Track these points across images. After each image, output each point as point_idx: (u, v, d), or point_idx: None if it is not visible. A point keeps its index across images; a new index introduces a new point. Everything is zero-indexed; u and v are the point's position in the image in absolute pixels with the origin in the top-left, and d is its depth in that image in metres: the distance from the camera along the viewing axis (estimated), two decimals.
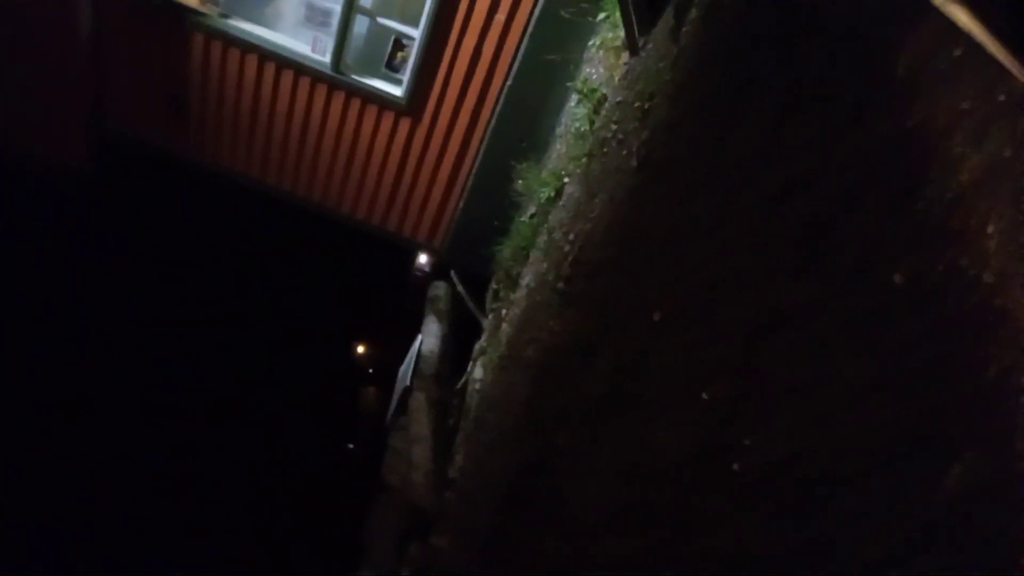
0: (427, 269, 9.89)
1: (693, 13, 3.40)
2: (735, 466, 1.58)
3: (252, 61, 5.98)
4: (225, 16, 5.93)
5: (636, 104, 3.83)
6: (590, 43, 5.35)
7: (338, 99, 6.09)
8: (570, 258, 4.18)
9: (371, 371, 15.87)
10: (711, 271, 2.24)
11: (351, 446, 15.33)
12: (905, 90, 1.50)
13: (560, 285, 4.16)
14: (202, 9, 5.87)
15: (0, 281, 9.30)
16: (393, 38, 5.88)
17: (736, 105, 2.47)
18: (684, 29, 3.44)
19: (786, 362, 1.62)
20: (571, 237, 4.38)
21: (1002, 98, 1.31)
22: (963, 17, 1.22)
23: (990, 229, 1.24)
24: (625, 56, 4.61)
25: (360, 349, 16.24)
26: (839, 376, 1.41)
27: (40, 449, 10.30)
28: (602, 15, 5.08)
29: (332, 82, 5.97)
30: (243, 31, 5.89)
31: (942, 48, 1.41)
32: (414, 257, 10.15)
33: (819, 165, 1.83)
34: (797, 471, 1.45)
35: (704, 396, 1.83)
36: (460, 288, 7.10)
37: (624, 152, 3.75)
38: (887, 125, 1.54)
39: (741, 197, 2.21)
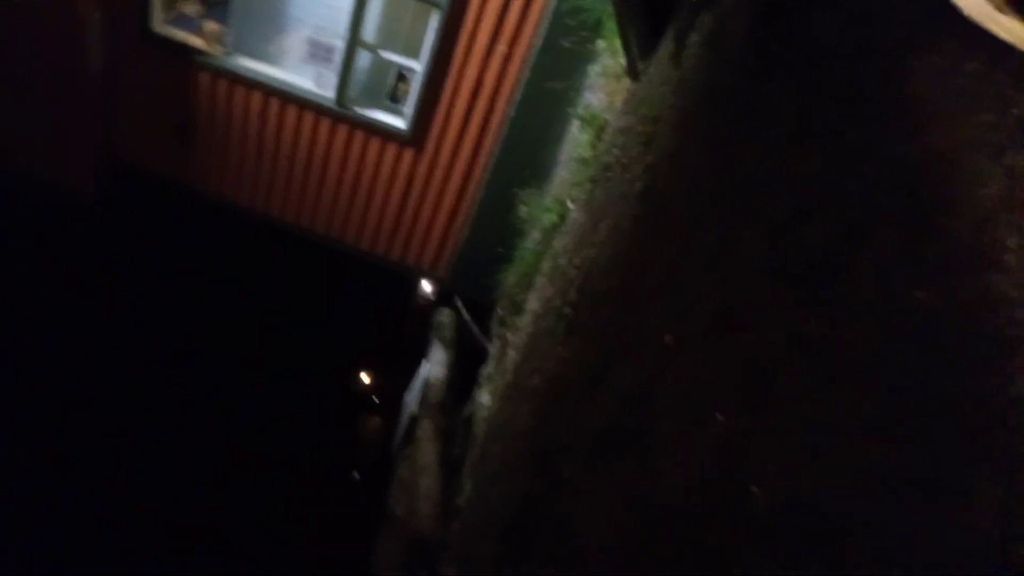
0: (430, 297, 9.88)
1: (694, 37, 3.39)
2: (755, 490, 1.52)
3: (257, 97, 6.03)
4: (230, 55, 5.99)
5: (639, 129, 3.81)
6: (591, 70, 5.37)
7: (342, 132, 6.12)
8: (575, 284, 4.13)
9: (375, 400, 15.80)
10: (718, 301, 2.20)
11: (356, 475, 15.19)
12: (921, 110, 1.47)
13: (566, 311, 4.11)
14: (209, 49, 5.94)
15: (6, 306, 9.33)
16: (396, 71, 5.93)
17: (742, 131, 2.44)
18: (685, 53, 3.43)
19: (800, 395, 1.56)
20: (576, 263, 4.34)
21: (1016, 111, 1.28)
22: (1018, 29, 1.18)
23: (1011, 243, 1.21)
24: (626, 82, 4.62)
25: (363, 378, 16.18)
26: (857, 409, 1.36)
27: (43, 484, 10.24)
28: (601, 43, 5.10)
29: (336, 116, 6.01)
30: (248, 69, 5.95)
31: (958, 64, 1.38)
32: (417, 285, 10.14)
33: (831, 192, 1.79)
34: (812, 508, 1.39)
35: (719, 417, 1.78)
36: (465, 315, 7.06)
37: (628, 177, 3.72)
38: (903, 147, 1.50)
39: (748, 226, 2.16)
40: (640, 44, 4.14)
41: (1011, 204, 1.25)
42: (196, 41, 5.95)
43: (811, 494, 1.40)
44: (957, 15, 1.30)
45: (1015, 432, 1.10)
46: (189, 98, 6.16)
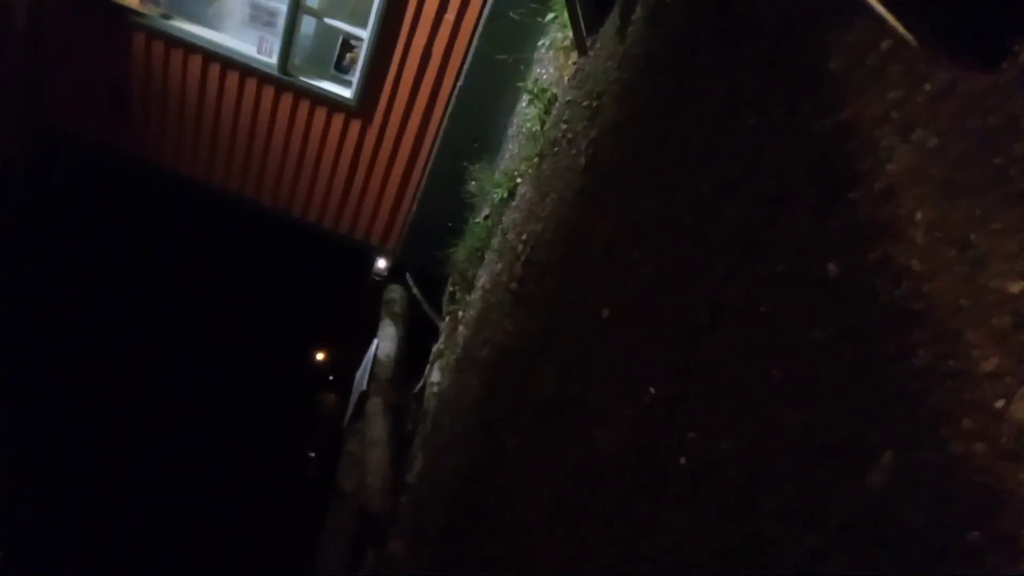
0: (385, 273, 9.80)
1: (638, 12, 3.40)
2: (682, 460, 1.56)
3: (196, 61, 5.85)
4: (167, 16, 5.78)
5: (585, 104, 3.82)
6: (540, 43, 5.35)
7: (286, 101, 5.99)
8: (522, 258, 4.15)
9: (330, 377, 15.67)
10: (650, 271, 2.24)
11: (311, 454, 15.11)
12: (837, 86, 1.50)
13: (513, 285, 4.14)
14: (142, 9, 5.72)
15: None
16: (341, 39, 5.80)
17: (676, 106, 2.47)
18: (630, 29, 3.44)
19: (722, 360, 1.61)
20: (523, 237, 4.36)
21: (928, 87, 1.32)
22: (880, 8, 1.22)
23: (918, 217, 1.25)
24: (574, 56, 4.61)
25: (318, 355, 16.03)
26: (772, 374, 1.40)
27: None
28: (551, 15, 5.07)
29: (279, 83, 5.87)
30: (185, 31, 5.76)
31: (873, 42, 1.42)
32: (371, 261, 10.05)
33: (754, 165, 1.83)
34: (731, 471, 1.44)
35: (652, 391, 1.82)
36: (416, 291, 7.04)
37: (573, 152, 3.74)
38: (820, 123, 1.54)
39: (679, 198, 2.20)
40: (587, 18, 4.13)
41: (918, 179, 1.29)
42: (129, 1, 5.72)
43: (727, 458, 1.45)
44: None
45: (915, 401, 1.15)
46: (124, 60, 5.93)
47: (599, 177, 3.14)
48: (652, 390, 1.88)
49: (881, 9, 1.19)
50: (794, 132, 1.67)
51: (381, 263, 9.95)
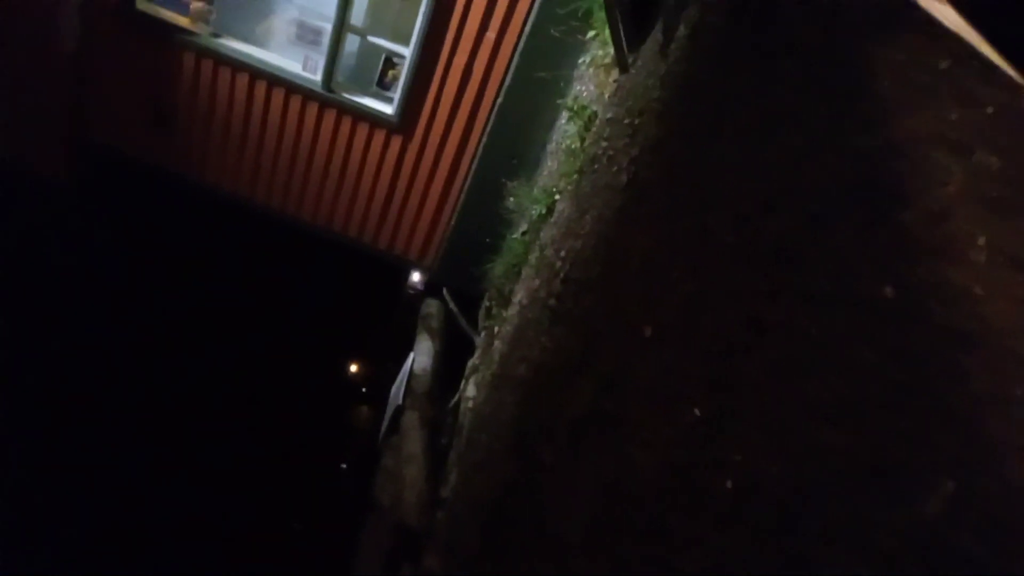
0: (420, 287, 9.87)
1: (681, 30, 3.40)
2: (728, 484, 1.54)
3: (243, 79, 6.00)
4: (216, 35, 5.95)
5: (626, 121, 3.82)
6: (580, 61, 5.37)
7: (329, 117, 6.10)
8: (560, 275, 4.15)
9: (364, 390, 15.80)
10: (690, 289, 2.22)
11: (343, 466, 15.22)
12: (886, 105, 1.48)
13: (551, 302, 4.13)
14: (193, 28, 5.89)
15: None
16: (384, 56, 5.90)
17: (716, 124, 2.46)
18: (672, 47, 3.44)
19: (765, 380, 1.59)
20: (562, 254, 4.36)
21: (990, 110, 1.30)
22: (951, 16, 1.20)
23: (980, 241, 1.23)
24: (615, 74, 4.62)
25: (352, 368, 16.18)
26: (818, 394, 1.38)
27: (14, 463, 10.19)
28: (591, 33, 5.10)
29: (323, 100, 5.98)
30: (234, 50, 5.91)
31: (927, 60, 1.40)
32: (406, 275, 10.13)
33: (796, 183, 1.81)
34: (774, 491, 1.42)
35: (696, 412, 1.80)
36: (452, 306, 7.07)
37: (614, 169, 3.74)
38: (868, 140, 1.52)
39: (719, 215, 2.19)
40: (629, 36, 4.14)
41: (977, 200, 1.26)
42: (181, 20, 5.89)
43: (771, 478, 1.43)
44: (918, 12, 1.31)
45: (968, 426, 1.12)
46: (171, 79, 6.11)
47: (639, 195, 3.13)
48: (697, 411, 1.86)
49: (976, 39, 1.17)
50: (837, 150, 1.65)
51: (415, 277, 10.03)
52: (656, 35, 3.87)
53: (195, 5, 5.91)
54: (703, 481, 1.72)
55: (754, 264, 1.82)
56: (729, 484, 1.65)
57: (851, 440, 1.25)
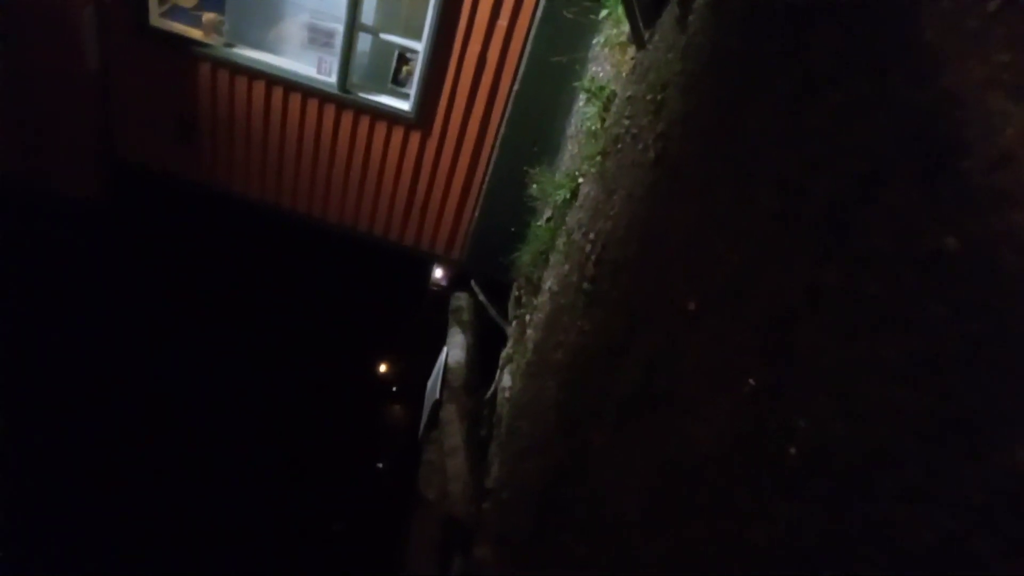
0: (443, 282, 9.88)
1: (699, 1, 3.36)
2: (792, 450, 1.53)
3: (260, 86, 6.03)
4: (230, 45, 5.99)
5: (648, 97, 3.79)
6: (594, 42, 5.33)
7: (347, 118, 6.12)
8: (593, 258, 4.14)
9: (394, 388, 15.89)
10: (736, 260, 2.20)
11: (380, 465, 15.33)
12: (932, 54, 1.45)
13: (585, 285, 4.12)
14: (207, 40, 5.93)
15: (19, 315, 9.43)
16: (397, 53, 5.91)
17: (750, 91, 2.43)
18: (691, 17, 3.40)
19: (826, 343, 1.57)
20: (592, 237, 4.34)
21: None
22: None
23: None
24: (631, 51, 4.58)
25: (382, 367, 16.26)
26: (887, 353, 1.36)
27: (59, 481, 10.42)
28: (604, 12, 5.06)
29: (340, 101, 6.00)
30: (248, 58, 5.95)
31: (974, 5, 1.37)
32: (429, 271, 10.15)
33: (841, 143, 1.78)
34: (846, 455, 1.41)
35: (751, 381, 1.79)
36: (482, 297, 7.08)
37: (640, 147, 3.71)
38: (915, 93, 1.49)
39: (761, 183, 2.16)
40: (644, 12, 4.10)
41: None
42: (194, 33, 5.94)
43: (841, 442, 1.42)
44: None
45: None
46: (190, 91, 6.17)
47: (671, 170, 3.11)
48: (752, 381, 1.84)
49: None
50: (886, 106, 1.62)
51: (438, 272, 10.04)
52: (672, 8, 3.83)
53: (206, 17, 5.96)
54: (766, 451, 1.71)
55: (803, 229, 1.79)
56: (793, 450, 1.64)
57: (926, 397, 1.23)
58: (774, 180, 2.02)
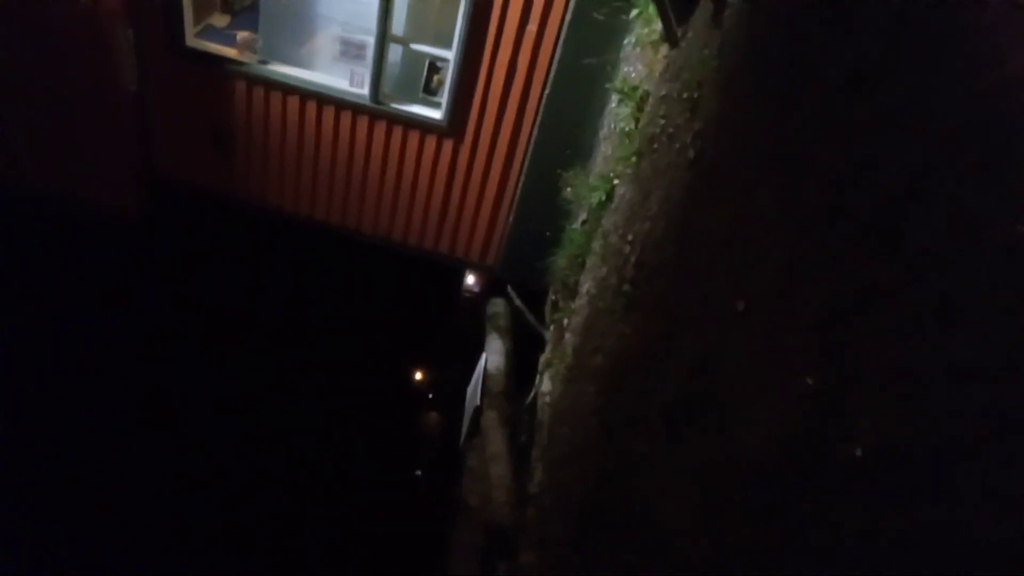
0: (475, 289, 9.89)
1: None
2: (857, 452, 1.48)
3: (294, 101, 6.11)
4: (264, 62, 6.07)
5: (683, 96, 3.75)
6: (625, 42, 5.30)
7: (380, 129, 6.16)
8: (632, 260, 4.10)
9: (430, 396, 15.95)
10: (784, 258, 2.15)
11: (418, 473, 15.40)
12: (994, 41, 1.40)
13: (624, 288, 4.08)
14: (241, 59, 6.03)
15: (65, 330, 9.68)
16: (428, 62, 5.94)
17: (790, 85, 2.38)
18: (726, 14, 3.35)
19: (889, 341, 1.52)
20: (629, 239, 4.30)
21: None
22: None
23: None
24: (664, 49, 4.54)
25: (417, 375, 16.34)
26: (957, 350, 1.32)
27: (97, 493, 10.64)
28: (635, 12, 5.02)
29: (372, 113, 6.05)
30: (282, 74, 6.03)
31: None
32: (462, 278, 10.18)
33: (894, 134, 1.73)
34: (917, 454, 1.36)
35: (809, 381, 1.74)
36: (518, 303, 7.07)
37: (677, 146, 3.67)
38: (973, 80, 1.44)
39: (807, 180, 2.11)
40: (677, 9, 4.06)
41: None
42: (229, 51, 6.05)
43: (911, 440, 1.37)
44: None
45: None
46: (226, 108, 6.28)
47: (710, 169, 3.06)
48: (809, 380, 1.79)
49: None
50: (942, 96, 1.57)
51: (470, 279, 10.05)
52: (706, 5, 3.78)
53: (241, 35, 6.06)
54: (826, 452, 1.67)
55: (856, 225, 1.75)
56: (859, 452, 1.59)
57: (1003, 393, 1.18)
58: (822, 177, 1.97)
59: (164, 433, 11.19)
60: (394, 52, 5.94)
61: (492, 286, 8.07)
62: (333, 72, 6.10)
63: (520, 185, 6.24)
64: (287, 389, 12.38)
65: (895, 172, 1.68)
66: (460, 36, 5.54)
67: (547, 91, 5.70)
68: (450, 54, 5.70)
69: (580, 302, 5.54)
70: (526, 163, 6.10)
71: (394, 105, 6.04)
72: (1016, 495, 1.11)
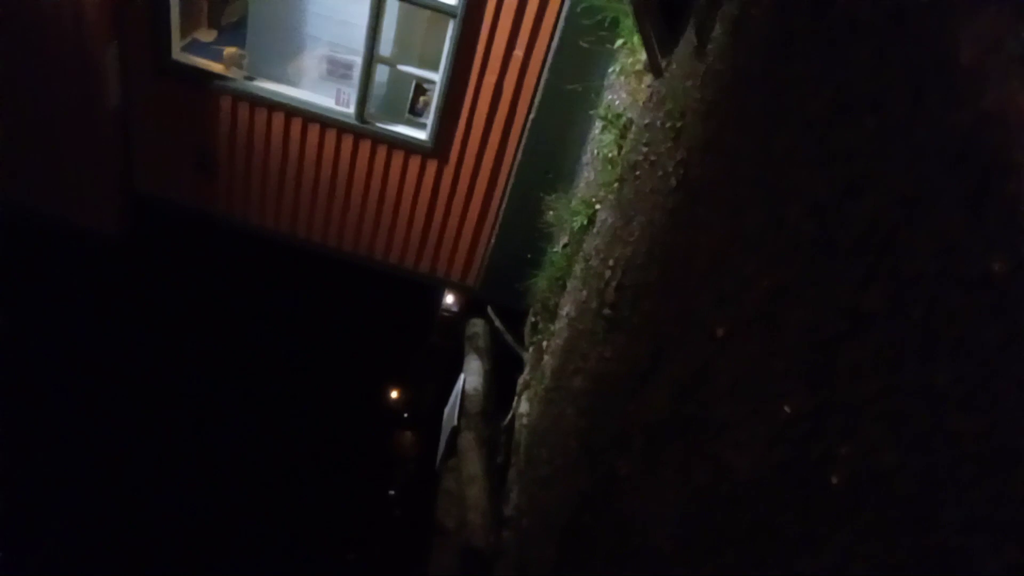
0: (454, 309, 9.86)
1: (717, 29, 3.39)
2: (834, 480, 1.51)
3: (279, 119, 6.10)
4: (250, 78, 6.07)
5: (667, 125, 3.81)
6: (610, 70, 5.38)
7: (364, 148, 6.17)
8: (613, 284, 4.14)
9: (405, 415, 15.83)
10: (768, 283, 2.19)
11: (391, 492, 15.24)
12: (971, 78, 1.46)
13: (605, 311, 4.11)
14: (228, 74, 6.02)
15: (39, 348, 9.50)
16: (414, 83, 5.98)
17: (775, 114, 2.44)
18: (709, 46, 3.43)
19: (870, 368, 1.55)
20: (610, 263, 4.34)
21: None
22: None
23: None
24: (648, 79, 4.62)
25: (392, 394, 16.21)
26: (935, 379, 1.35)
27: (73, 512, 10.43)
28: (620, 42, 5.11)
29: (357, 132, 6.06)
30: (268, 91, 6.02)
31: (1009, 30, 1.37)
32: (439, 298, 10.15)
33: (878, 163, 1.79)
34: (901, 483, 1.39)
35: (787, 409, 1.77)
36: (498, 323, 7.07)
37: (659, 173, 3.72)
38: (954, 115, 1.49)
39: (793, 206, 2.16)
40: (661, 40, 4.14)
41: None
42: (215, 67, 6.03)
43: (894, 470, 1.40)
44: None
45: None
46: (210, 125, 6.24)
47: (694, 195, 3.12)
48: (787, 408, 1.82)
49: None
50: (924, 127, 1.62)
51: (449, 299, 10.03)
52: (689, 36, 3.86)
53: (228, 51, 6.05)
54: (811, 477, 1.69)
55: (841, 252, 1.79)
56: (835, 479, 1.62)
57: (984, 422, 1.22)
58: (808, 204, 2.02)
59: (141, 447, 11.01)
60: (381, 73, 5.98)
61: (471, 306, 8.07)
62: (319, 90, 6.12)
63: (503, 207, 6.28)
64: (262, 406, 12.24)
65: (878, 201, 1.73)
66: (447, 59, 5.59)
67: (532, 115, 5.76)
68: (437, 76, 5.74)
69: (560, 324, 5.56)
70: (509, 186, 6.14)
71: (379, 125, 6.06)
72: (997, 523, 1.14)
